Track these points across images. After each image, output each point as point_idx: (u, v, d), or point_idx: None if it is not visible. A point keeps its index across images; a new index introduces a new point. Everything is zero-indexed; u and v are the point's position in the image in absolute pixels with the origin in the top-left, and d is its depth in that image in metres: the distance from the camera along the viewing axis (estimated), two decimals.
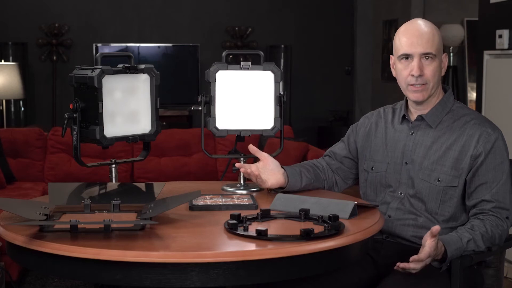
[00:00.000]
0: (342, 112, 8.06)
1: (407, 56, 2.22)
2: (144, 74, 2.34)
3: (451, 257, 2.05)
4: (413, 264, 1.97)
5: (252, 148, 2.37)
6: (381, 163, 2.33)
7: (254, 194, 2.35)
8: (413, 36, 2.21)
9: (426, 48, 2.19)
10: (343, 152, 2.46)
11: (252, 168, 2.30)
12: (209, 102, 2.42)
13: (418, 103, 2.27)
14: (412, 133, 2.28)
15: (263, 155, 2.34)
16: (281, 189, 2.33)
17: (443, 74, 2.27)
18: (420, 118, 2.28)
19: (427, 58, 2.20)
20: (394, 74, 2.32)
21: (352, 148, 2.45)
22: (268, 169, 2.32)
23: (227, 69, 2.42)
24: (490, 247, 2.13)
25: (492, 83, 4.27)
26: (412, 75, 2.21)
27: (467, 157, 2.18)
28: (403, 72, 2.24)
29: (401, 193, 2.26)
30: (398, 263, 1.99)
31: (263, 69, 2.43)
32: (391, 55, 2.33)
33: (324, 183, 2.44)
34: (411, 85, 2.23)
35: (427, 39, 2.20)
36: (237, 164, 2.37)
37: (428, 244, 1.97)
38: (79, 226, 1.80)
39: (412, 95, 2.24)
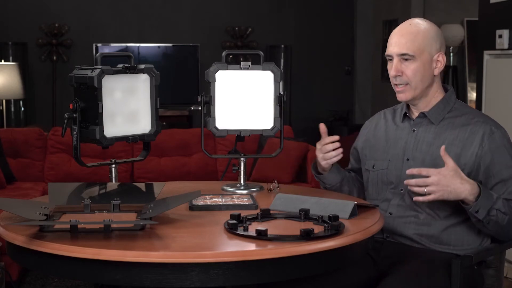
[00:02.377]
0: (342, 112, 8.06)
1: (389, 57, 2.26)
2: (144, 74, 2.34)
3: (482, 201, 2.05)
4: (432, 178, 2.02)
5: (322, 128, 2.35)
6: (382, 161, 2.33)
7: (254, 194, 2.35)
8: (394, 36, 2.25)
9: (402, 49, 2.21)
10: (351, 166, 2.53)
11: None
12: (209, 102, 2.42)
13: (412, 103, 2.28)
14: (414, 130, 2.29)
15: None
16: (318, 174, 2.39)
17: (436, 73, 2.25)
18: (422, 115, 2.29)
19: (405, 59, 2.22)
20: None
21: (356, 158, 2.48)
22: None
23: (227, 69, 2.42)
24: (509, 225, 2.12)
25: (492, 83, 4.27)
26: (392, 75, 2.25)
27: (470, 154, 2.18)
28: (389, 72, 2.29)
29: (402, 190, 2.26)
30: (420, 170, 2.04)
31: (263, 69, 2.43)
32: None
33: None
34: (395, 84, 2.27)
35: (406, 40, 2.21)
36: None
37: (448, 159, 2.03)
38: (79, 226, 1.80)
39: (397, 95, 2.29)
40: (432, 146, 2.24)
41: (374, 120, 2.47)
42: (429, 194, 2.04)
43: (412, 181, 2.06)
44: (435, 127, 2.26)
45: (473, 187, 2.06)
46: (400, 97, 2.27)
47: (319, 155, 2.32)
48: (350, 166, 2.53)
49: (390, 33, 2.30)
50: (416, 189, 2.06)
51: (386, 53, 2.27)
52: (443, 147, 2.07)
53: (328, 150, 2.29)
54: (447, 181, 2.03)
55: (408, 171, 2.09)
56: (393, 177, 2.29)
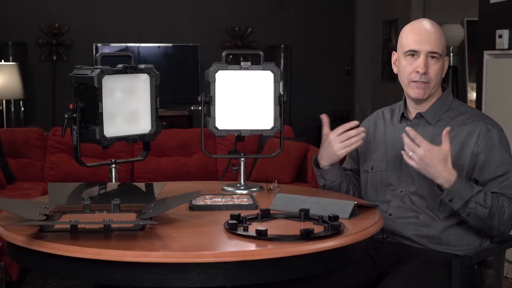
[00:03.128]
0: (342, 112, 8.06)
1: (413, 53, 2.23)
2: (144, 74, 2.34)
3: (456, 191, 2.06)
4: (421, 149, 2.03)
5: (324, 118, 2.35)
6: (380, 162, 2.33)
7: (254, 194, 2.35)
8: (421, 33, 2.22)
9: (434, 47, 2.21)
10: (349, 166, 2.51)
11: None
12: (209, 102, 2.42)
13: (417, 101, 2.27)
14: None
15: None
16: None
17: (443, 76, 2.27)
18: (419, 115, 2.28)
19: (433, 57, 2.21)
20: (395, 70, 2.33)
21: (354, 160, 2.47)
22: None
23: (227, 69, 2.42)
24: (492, 219, 2.11)
25: (492, 83, 4.27)
26: (417, 72, 2.21)
27: (467, 153, 2.18)
28: (407, 68, 2.24)
29: (401, 191, 2.26)
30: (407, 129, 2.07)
31: (263, 69, 2.43)
32: (394, 52, 2.34)
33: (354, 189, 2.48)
34: (414, 81, 2.23)
35: (435, 38, 2.21)
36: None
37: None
38: (79, 226, 1.80)
39: (413, 91, 2.25)
40: None
41: (372, 119, 2.45)
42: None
43: (406, 139, 2.08)
44: (432, 127, 2.26)
45: (450, 177, 2.05)
46: (418, 93, 2.24)
47: (336, 145, 2.27)
48: (350, 166, 2.51)
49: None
50: (405, 148, 2.07)
51: (411, 48, 2.22)
52: (447, 129, 2.07)
53: (350, 136, 2.25)
54: (430, 161, 2.05)
55: (407, 128, 2.09)
56: (392, 179, 2.29)
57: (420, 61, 2.21)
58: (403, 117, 2.34)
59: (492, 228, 2.15)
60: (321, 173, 2.38)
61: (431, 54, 2.21)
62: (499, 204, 2.11)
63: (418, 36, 2.22)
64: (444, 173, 2.05)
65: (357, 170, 2.47)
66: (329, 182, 2.38)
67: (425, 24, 2.24)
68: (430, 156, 2.04)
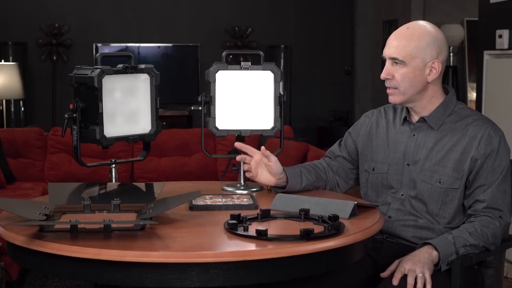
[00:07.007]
0: (342, 112, 8.06)
1: (384, 58, 2.25)
2: (144, 74, 2.34)
3: (445, 254, 2.06)
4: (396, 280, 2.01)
5: (264, 150, 2.32)
6: (382, 164, 2.32)
7: (254, 194, 2.35)
8: (390, 39, 2.23)
9: (393, 53, 2.19)
10: (342, 154, 2.46)
11: (255, 158, 2.31)
12: (209, 102, 2.42)
13: (407, 107, 2.28)
14: (414, 135, 2.28)
15: (272, 160, 2.32)
16: (281, 189, 2.33)
17: (429, 80, 2.20)
18: (422, 119, 2.27)
19: (396, 63, 2.20)
20: None
21: (350, 150, 2.45)
22: (269, 169, 2.31)
23: (227, 69, 2.42)
24: (486, 247, 2.13)
25: (492, 83, 4.27)
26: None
27: (468, 158, 2.17)
28: None
29: (402, 195, 2.26)
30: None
31: (263, 69, 2.43)
32: None
33: (326, 183, 2.44)
34: (386, 87, 2.26)
35: (397, 44, 2.19)
36: (238, 157, 2.37)
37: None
38: (79, 226, 1.80)
39: (388, 97, 2.27)
40: (432, 152, 2.23)
41: (374, 117, 2.44)
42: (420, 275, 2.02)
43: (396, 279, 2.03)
44: (435, 132, 2.25)
45: (429, 259, 2.06)
46: (390, 99, 2.26)
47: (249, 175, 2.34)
48: (340, 153, 2.46)
49: (390, 33, 2.29)
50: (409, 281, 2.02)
51: (382, 54, 2.26)
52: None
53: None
54: (411, 263, 2.04)
55: (382, 275, 2.08)
56: (393, 182, 2.29)
57: (384, 67, 2.23)
58: (406, 120, 2.32)
59: (493, 248, 2.18)
60: (286, 191, 2.32)
61: (393, 60, 2.21)
62: (478, 233, 2.11)
63: (387, 41, 2.23)
64: (422, 260, 2.05)
65: (351, 161, 2.44)
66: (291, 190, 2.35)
67: (402, 29, 2.23)
68: (405, 262, 2.05)
